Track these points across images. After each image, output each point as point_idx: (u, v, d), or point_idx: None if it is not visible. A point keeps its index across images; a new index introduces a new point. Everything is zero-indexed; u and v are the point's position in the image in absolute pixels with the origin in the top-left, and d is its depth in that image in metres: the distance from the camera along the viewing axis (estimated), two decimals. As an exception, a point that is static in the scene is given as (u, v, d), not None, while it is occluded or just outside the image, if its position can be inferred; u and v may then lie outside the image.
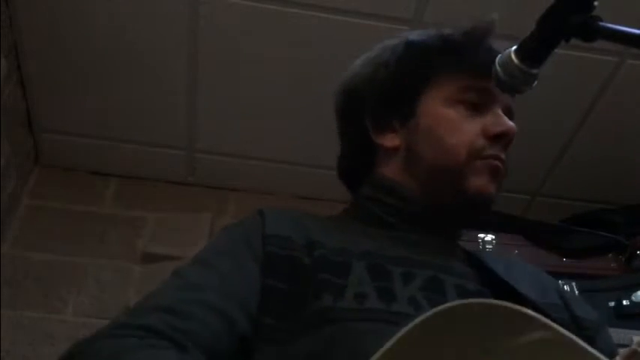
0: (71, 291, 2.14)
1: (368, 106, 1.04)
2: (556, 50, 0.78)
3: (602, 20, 0.72)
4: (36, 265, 2.18)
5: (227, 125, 2.31)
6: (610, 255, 2.04)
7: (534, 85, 0.83)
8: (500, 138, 0.95)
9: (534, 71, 0.80)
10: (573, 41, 0.75)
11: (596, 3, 0.73)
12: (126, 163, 2.43)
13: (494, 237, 1.99)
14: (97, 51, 2.09)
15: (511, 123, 0.96)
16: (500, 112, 0.97)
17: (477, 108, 0.97)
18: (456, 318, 0.60)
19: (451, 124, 0.96)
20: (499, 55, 0.82)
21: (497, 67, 0.82)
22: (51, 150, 2.40)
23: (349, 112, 1.10)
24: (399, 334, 0.60)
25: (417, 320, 0.60)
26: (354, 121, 1.08)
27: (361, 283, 0.83)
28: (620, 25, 0.71)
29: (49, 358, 1.98)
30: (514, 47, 0.81)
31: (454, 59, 0.99)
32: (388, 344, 0.60)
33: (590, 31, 0.73)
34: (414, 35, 1.06)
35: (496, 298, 0.82)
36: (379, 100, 1.02)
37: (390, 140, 1.01)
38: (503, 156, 0.95)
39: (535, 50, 0.79)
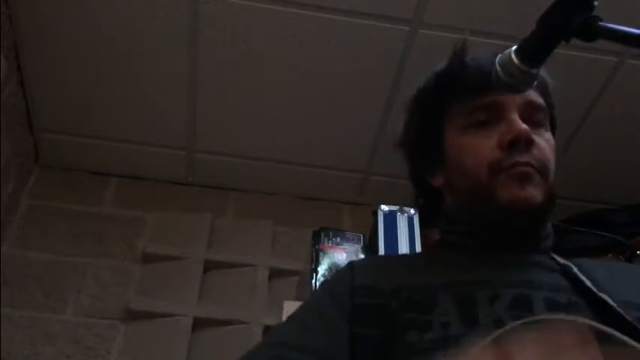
0: (71, 291, 2.14)
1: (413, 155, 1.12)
2: (556, 50, 0.78)
3: (602, 20, 0.72)
4: (36, 265, 2.18)
5: (227, 125, 2.31)
6: (610, 255, 2.04)
7: (534, 85, 0.83)
8: (515, 144, 0.94)
9: (534, 71, 0.80)
10: (573, 41, 0.75)
11: (596, 3, 0.73)
12: (126, 163, 2.43)
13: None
14: (97, 51, 2.09)
15: (521, 126, 0.95)
16: (513, 116, 0.96)
17: (489, 124, 0.98)
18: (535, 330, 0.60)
19: (468, 148, 0.99)
20: (499, 55, 0.82)
21: (498, 67, 0.82)
22: (51, 150, 2.40)
23: (406, 159, 1.15)
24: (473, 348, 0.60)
25: (492, 336, 0.60)
26: (411, 168, 1.14)
27: (446, 314, 0.84)
28: (620, 25, 0.71)
29: (49, 358, 1.99)
30: (514, 47, 0.81)
31: (453, 90, 1.03)
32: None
33: (590, 31, 0.73)
34: (421, 83, 1.10)
35: (591, 308, 0.84)
36: (417, 151, 1.10)
37: (437, 181, 1.06)
38: (527, 159, 0.94)
39: (535, 50, 0.79)
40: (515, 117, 0.96)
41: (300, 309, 0.97)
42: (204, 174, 2.48)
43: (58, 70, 2.15)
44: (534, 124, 0.98)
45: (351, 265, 0.99)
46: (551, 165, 0.98)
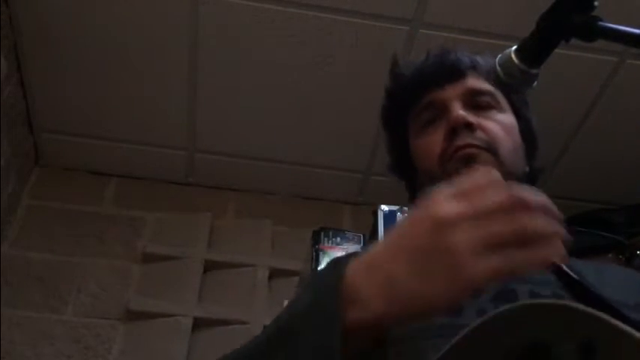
0: (71, 291, 2.14)
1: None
2: (556, 50, 0.78)
3: (602, 20, 0.72)
4: (36, 265, 2.18)
5: (227, 125, 2.31)
6: (610, 255, 2.04)
7: (534, 84, 0.83)
8: (455, 132, 0.95)
9: (534, 71, 0.80)
10: (573, 41, 0.75)
11: (596, 3, 0.73)
12: (126, 163, 2.43)
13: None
14: (97, 51, 2.09)
15: (456, 112, 0.96)
16: (453, 106, 0.98)
17: (435, 120, 1.00)
18: (515, 320, 0.60)
19: (420, 149, 1.01)
20: (499, 56, 0.82)
21: (498, 67, 0.82)
22: (51, 150, 2.40)
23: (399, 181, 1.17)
24: (455, 340, 0.60)
25: (474, 324, 0.60)
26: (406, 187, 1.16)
27: None
28: (620, 25, 0.71)
29: (49, 358, 1.99)
30: (514, 47, 0.81)
31: (401, 103, 1.07)
32: (445, 348, 0.60)
33: (590, 31, 0.73)
34: (385, 99, 1.14)
35: (577, 302, 0.84)
36: (398, 170, 1.12)
37: (420, 192, 1.07)
38: (468, 141, 0.94)
39: (535, 50, 0.79)
40: (454, 106, 0.98)
41: (284, 311, 0.95)
42: (204, 174, 2.48)
43: (58, 70, 2.15)
44: (480, 109, 0.99)
45: (334, 262, 0.99)
46: (504, 143, 0.96)
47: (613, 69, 2.12)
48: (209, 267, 2.27)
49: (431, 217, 0.57)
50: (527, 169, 1.02)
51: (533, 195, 0.57)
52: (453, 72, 1.02)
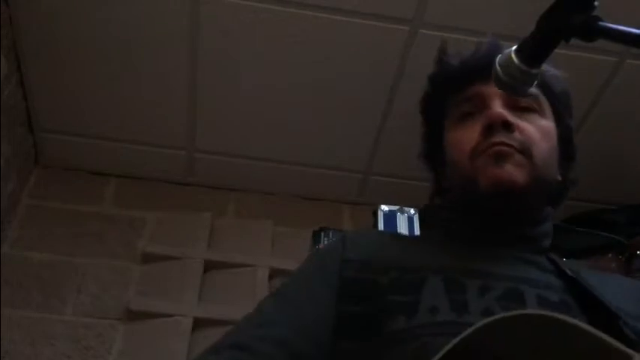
0: (71, 291, 2.14)
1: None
2: (556, 50, 0.78)
3: (602, 20, 0.72)
4: (36, 265, 2.18)
5: (227, 125, 2.31)
6: (610, 255, 2.04)
7: (534, 85, 0.83)
8: (491, 129, 0.94)
9: (534, 71, 0.80)
10: (573, 41, 0.75)
11: (596, 3, 0.73)
12: (126, 163, 2.43)
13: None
14: (97, 51, 2.09)
15: (496, 110, 0.95)
16: (494, 103, 0.97)
17: (474, 115, 0.98)
18: (517, 326, 0.60)
19: (454, 141, 1.00)
20: (499, 55, 0.82)
21: (498, 67, 0.82)
22: (51, 150, 2.40)
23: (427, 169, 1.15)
24: (456, 340, 0.59)
25: (478, 324, 0.59)
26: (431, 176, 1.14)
27: (435, 296, 0.84)
28: (620, 25, 0.71)
29: (49, 358, 1.99)
30: (514, 47, 0.81)
31: (443, 90, 1.05)
32: (447, 347, 0.59)
33: (590, 31, 0.72)
34: (427, 85, 1.11)
35: (583, 309, 0.83)
36: (429, 158, 1.10)
37: (445, 182, 1.06)
38: (503, 139, 0.93)
39: (535, 50, 0.79)
40: (495, 103, 0.97)
41: (287, 282, 0.96)
42: (204, 174, 2.48)
43: (58, 70, 2.15)
44: (521, 110, 0.98)
45: (343, 237, 0.99)
46: (540, 148, 0.95)
47: (613, 69, 2.13)
48: (209, 267, 2.27)
49: None
50: (559, 177, 1.00)
51: None
52: None
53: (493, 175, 0.91)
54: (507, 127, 0.94)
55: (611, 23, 0.71)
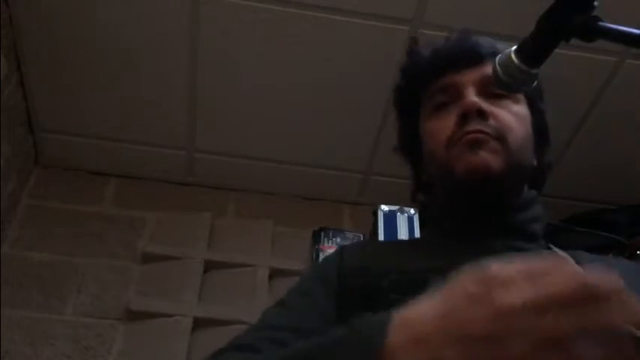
0: (71, 291, 2.14)
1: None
2: (556, 50, 0.78)
3: (602, 20, 0.72)
4: (36, 265, 2.18)
5: (227, 125, 2.31)
6: (610, 255, 2.04)
7: (534, 84, 0.83)
8: (465, 118, 0.94)
9: (534, 71, 0.80)
10: (573, 41, 0.75)
11: (596, 3, 0.73)
12: (126, 163, 2.43)
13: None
14: (97, 51, 2.09)
15: (470, 98, 0.95)
16: (468, 92, 0.97)
17: (449, 104, 0.99)
18: None
19: (430, 132, 1.00)
20: (499, 55, 0.82)
21: (498, 67, 0.82)
22: (51, 150, 2.40)
23: (405, 161, 1.15)
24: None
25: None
26: (410, 168, 1.14)
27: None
28: (620, 25, 0.71)
29: (49, 358, 1.99)
30: (514, 47, 0.81)
31: (416, 82, 1.05)
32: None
33: (590, 31, 0.73)
34: (399, 77, 1.11)
35: None
36: (406, 150, 1.10)
37: (425, 175, 1.06)
38: (478, 127, 0.93)
39: (535, 50, 0.79)
40: (469, 92, 0.97)
41: (288, 293, 0.96)
42: (204, 174, 2.48)
43: (58, 70, 2.15)
44: (495, 97, 0.98)
45: (341, 249, 1.00)
46: (515, 134, 0.95)
47: (613, 69, 2.12)
48: (209, 267, 2.27)
49: (492, 302, 0.50)
50: (535, 162, 1.01)
51: (609, 281, 0.51)
52: (471, 57, 1.00)
53: (468, 162, 0.92)
54: (482, 114, 0.94)
55: (611, 23, 0.72)
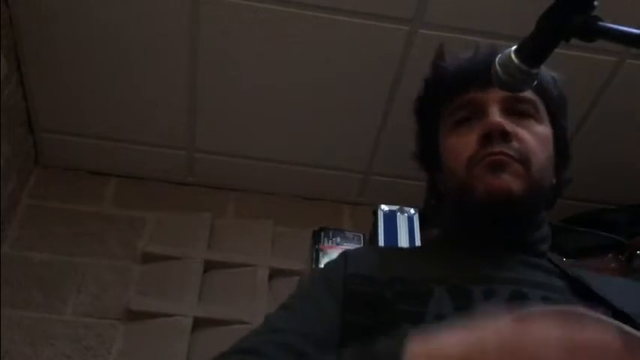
0: (71, 291, 2.14)
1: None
2: (556, 50, 0.78)
3: (602, 20, 0.72)
4: (36, 265, 2.18)
5: (227, 125, 2.31)
6: (610, 255, 2.04)
7: (534, 85, 0.83)
8: (489, 138, 0.93)
9: (534, 71, 0.80)
10: (573, 41, 0.75)
11: (596, 3, 0.73)
12: (126, 163, 2.43)
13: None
14: (97, 51, 2.09)
15: (494, 118, 0.94)
16: (492, 110, 0.96)
17: (471, 121, 0.98)
18: None
19: (451, 148, 1.00)
20: (499, 55, 0.82)
21: (497, 67, 0.82)
22: (51, 150, 2.40)
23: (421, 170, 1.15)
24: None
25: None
26: (426, 177, 1.15)
27: (441, 306, 0.84)
28: (620, 25, 0.71)
29: (49, 358, 1.99)
30: (514, 47, 0.81)
31: (439, 95, 1.04)
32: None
33: (590, 31, 0.72)
34: (422, 88, 1.10)
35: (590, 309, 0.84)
36: (423, 160, 1.11)
37: (442, 187, 1.06)
38: (501, 149, 0.92)
39: (535, 50, 0.79)
40: (493, 111, 0.96)
41: (292, 297, 0.96)
42: (204, 174, 2.48)
43: (57, 70, 2.15)
44: (518, 116, 0.97)
45: (344, 254, 1.00)
46: (538, 157, 0.95)
47: (613, 69, 2.12)
48: (209, 267, 2.27)
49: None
50: (554, 180, 1.00)
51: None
52: None
53: (489, 183, 0.91)
54: (505, 136, 0.93)
55: (611, 23, 0.71)
